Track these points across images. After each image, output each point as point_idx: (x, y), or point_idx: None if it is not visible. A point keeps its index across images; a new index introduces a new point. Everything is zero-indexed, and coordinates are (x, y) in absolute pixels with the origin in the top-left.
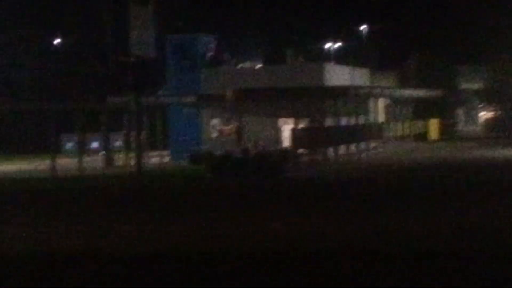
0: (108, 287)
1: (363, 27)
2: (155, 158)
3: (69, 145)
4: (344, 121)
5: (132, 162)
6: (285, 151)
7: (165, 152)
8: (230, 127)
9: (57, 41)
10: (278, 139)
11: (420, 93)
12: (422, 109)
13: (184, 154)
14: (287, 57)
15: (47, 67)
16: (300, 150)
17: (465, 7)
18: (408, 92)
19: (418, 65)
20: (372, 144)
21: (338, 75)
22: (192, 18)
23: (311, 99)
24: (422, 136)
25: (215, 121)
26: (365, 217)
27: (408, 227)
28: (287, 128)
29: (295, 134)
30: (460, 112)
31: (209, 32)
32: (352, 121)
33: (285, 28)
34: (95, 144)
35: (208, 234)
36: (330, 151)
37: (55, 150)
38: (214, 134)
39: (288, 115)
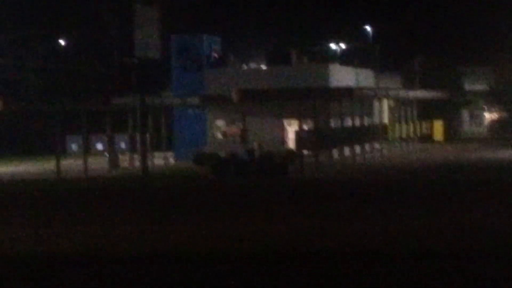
0: (112, 287)
1: (368, 28)
2: (160, 159)
3: (74, 147)
4: (348, 122)
5: (137, 163)
6: (290, 152)
7: (169, 153)
8: (234, 128)
9: (61, 42)
10: (282, 140)
11: (425, 94)
12: (427, 111)
13: (188, 155)
14: (292, 58)
15: (51, 68)
16: (305, 152)
17: (470, 9)
18: (413, 93)
19: (423, 66)
20: (377, 146)
21: (343, 76)
22: (197, 19)
23: (315, 100)
24: (427, 137)
25: (219, 122)
26: (368, 218)
27: (410, 228)
28: (291, 129)
29: (300, 135)
30: (465, 113)
31: (213, 33)
32: (357, 122)
33: (290, 29)
34: (100, 146)
35: (212, 235)
36: (335, 152)
37: (60, 151)
38: (219, 135)
39: (292, 116)
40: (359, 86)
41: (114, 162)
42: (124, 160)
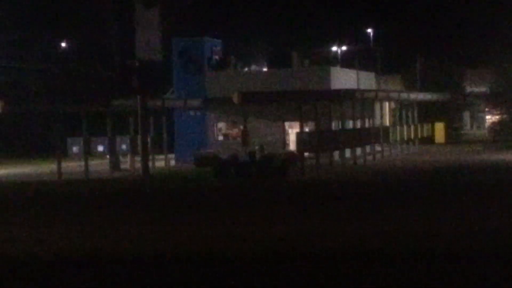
0: None
1: (369, 31)
2: (161, 161)
3: (75, 148)
4: (349, 124)
5: (138, 165)
6: (291, 154)
7: (170, 155)
8: (235, 130)
9: (62, 43)
10: (283, 143)
11: (426, 96)
12: (428, 113)
13: (189, 157)
14: (293, 61)
15: (52, 70)
16: (306, 153)
17: (471, 11)
18: (414, 96)
19: (424, 68)
20: (378, 148)
21: (344, 79)
22: (198, 22)
23: (316, 102)
24: (428, 140)
25: (220, 124)
26: (369, 219)
27: (411, 229)
28: (292, 131)
29: (301, 137)
30: (466, 115)
31: (214, 35)
32: (358, 124)
33: (291, 32)
34: (101, 148)
35: (212, 236)
36: (336, 154)
37: (61, 153)
38: (220, 137)
39: (293, 118)
40: (360, 88)
41: (115, 164)
42: (125, 162)
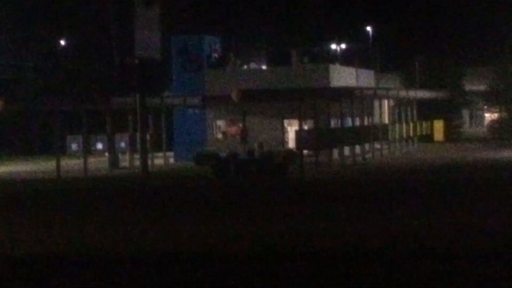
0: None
1: (368, 28)
2: (160, 159)
3: (74, 146)
4: (349, 122)
5: (137, 163)
6: (290, 152)
7: (170, 153)
8: (234, 128)
9: (62, 42)
10: (283, 140)
11: (425, 94)
12: (427, 111)
13: (189, 155)
14: (292, 58)
15: (52, 68)
16: (305, 151)
17: (470, 9)
18: (413, 93)
19: (423, 66)
20: (377, 146)
21: (344, 77)
22: (197, 19)
23: (316, 100)
24: (427, 138)
25: (220, 122)
26: (368, 218)
27: (410, 228)
28: (291, 129)
29: (300, 135)
30: (465, 113)
31: (213, 33)
32: (357, 122)
33: (290, 29)
34: (100, 145)
35: (211, 235)
36: (335, 152)
37: (60, 151)
38: (219, 135)
39: (292, 116)
40: (359, 86)
41: (114, 162)
42: (124, 160)
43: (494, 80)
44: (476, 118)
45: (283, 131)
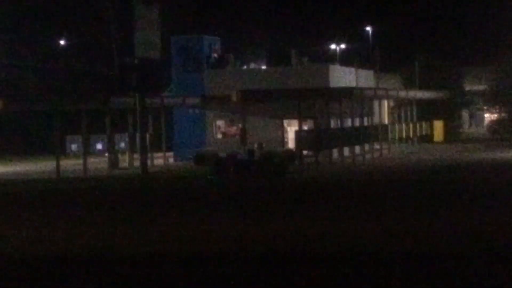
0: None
1: (367, 29)
2: (160, 159)
3: (74, 147)
4: (348, 122)
5: (137, 163)
6: (289, 152)
7: (169, 153)
8: (234, 128)
9: (62, 42)
10: (282, 141)
11: (425, 94)
12: (427, 111)
13: (188, 155)
14: (292, 59)
15: (51, 68)
16: (304, 152)
17: (470, 9)
18: (413, 94)
19: (423, 66)
20: (377, 146)
21: (343, 77)
22: (197, 20)
23: (315, 100)
24: (427, 138)
25: (219, 122)
26: (367, 219)
27: (410, 229)
28: (291, 130)
29: (300, 135)
30: (465, 114)
31: (213, 33)
32: (357, 122)
33: (290, 30)
34: (99, 146)
35: (211, 235)
36: (334, 152)
37: (60, 151)
38: (219, 135)
39: (292, 117)
40: (359, 87)
41: (113, 162)
42: (124, 160)
43: (494, 81)
44: (476, 119)
45: (283, 131)
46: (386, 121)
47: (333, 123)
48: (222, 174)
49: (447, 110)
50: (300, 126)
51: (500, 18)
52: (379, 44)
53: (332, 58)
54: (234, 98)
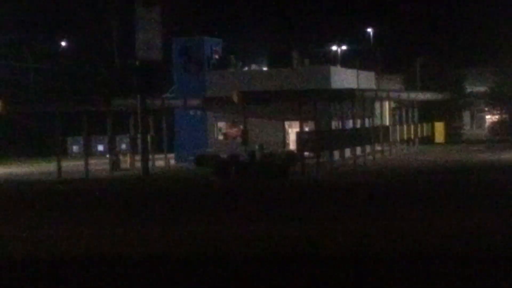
0: None
1: (369, 30)
2: (161, 161)
3: (75, 148)
4: (349, 124)
5: (138, 164)
6: (291, 153)
7: (170, 155)
8: (235, 130)
9: (63, 43)
10: (283, 142)
11: (426, 96)
12: (428, 112)
13: (189, 156)
14: (293, 60)
15: (53, 70)
16: (306, 153)
17: (471, 10)
18: (414, 95)
19: (424, 68)
20: (378, 147)
21: (344, 78)
22: (198, 21)
23: (316, 102)
24: (428, 139)
25: (220, 124)
26: (369, 220)
27: (411, 230)
28: (292, 131)
29: (301, 137)
30: (466, 115)
31: (214, 35)
32: (358, 124)
33: (291, 31)
34: (101, 147)
35: (213, 236)
36: (336, 154)
37: (61, 153)
38: (220, 137)
39: (293, 118)
40: (360, 88)
41: (115, 164)
42: (125, 162)
43: (495, 82)
44: (477, 120)
45: (284, 132)
46: (387, 122)
47: (334, 125)
48: (223, 175)
49: (448, 111)
50: (301, 127)
51: (501, 19)
52: (380, 45)
53: (333, 59)
54: (235, 100)
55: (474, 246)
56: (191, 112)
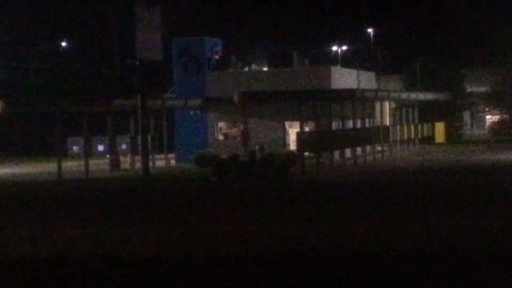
0: None
1: (369, 30)
2: (161, 161)
3: (75, 148)
4: (350, 124)
5: (138, 165)
6: (291, 154)
7: (171, 155)
8: (235, 130)
9: (63, 43)
10: (284, 142)
11: (426, 96)
12: (428, 112)
13: (190, 157)
14: (293, 60)
15: (53, 69)
16: (306, 153)
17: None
18: (414, 95)
19: (424, 68)
20: (378, 147)
21: (344, 78)
22: (198, 21)
23: (317, 102)
24: (428, 139)
25: (221, 124)
26: (370, 220)
27: (411, 230)
28: (293, 131)
29: (301, 137)
30: (467, 115)
31: (215, 35)
32: (358, 124)
33: (291, 31)
34: (101, 147)
35: (213, 237)
36: (336, 154)
37: (61, 153)
38: (220, 137)
39: (294, 118)
40: (360, 88)
41: (115, 164)
42: (125, 162)
43: (496, 82)
44: (478, 120)
45: (284, 133)
46: (387, 122)
47: (334, 125)
48: (223, 175)
49: (448, 111)
50: (301, 127)
51: (502, 19)
52: (381, 45)
53: (333, 59)
54: (235, 100)
55: (474, 246)
56: (191, 112)
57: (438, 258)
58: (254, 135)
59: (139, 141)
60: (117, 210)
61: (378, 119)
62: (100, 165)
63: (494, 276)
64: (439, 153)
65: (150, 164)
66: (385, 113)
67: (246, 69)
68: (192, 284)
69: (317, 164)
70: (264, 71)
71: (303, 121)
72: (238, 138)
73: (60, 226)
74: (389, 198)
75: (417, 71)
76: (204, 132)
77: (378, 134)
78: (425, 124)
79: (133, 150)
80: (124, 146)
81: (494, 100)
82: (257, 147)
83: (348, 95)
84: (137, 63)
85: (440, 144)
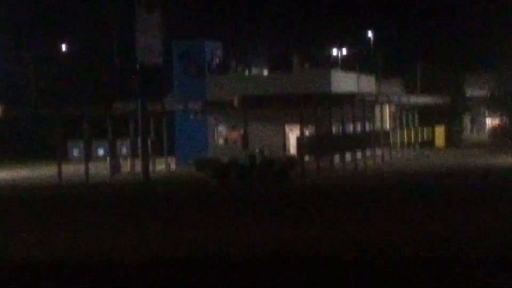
0: None
1: (369, 34)
2: (161, 165)
3: (75, 152)
4: (350, 128)
5: (138, 168)
6: (291, 158)
7: (171, 159)
8: (235, 134)
9: (63, 47)
10: (284, 146)
11: (426, 100)
12: (428, 116)
13: (190, 160)
14: (293, 64)
15: (53, 74)
16: (306, 157)
17: (472, 15)
18: (414, 99)
19: (424, 72)
20: (378, 151)
21: (345, 82)
22: (198, 25)
23: (317, 106)
24: (428, 143)
25: (221, 128)
26: (369, 224)
27: (410, 234)
28: (293, 135)
29: (301, 141)
30: (467, 119)
31: (215, 38)
32: (358, 128)
33: (292, 35)
34: (101, 151)
35: (213, 240)
36: (336, 158)
37: (61, 156)
38: (220, 141)
39: (294, 122)
40: (360, 92)
41: (115, 168)
42: (126, 166)
43: (495, 86)
44: (478, 124)
45: (284, 137)
46: (387, 126)
47: (334, 129)
48: (223, 179)
49: (448, 115)
50: (301, 131)
51: (501, 23)
52: (381, 49)
53: (333, 63)
54: (235, 104)
55: (474, 248)
56: (191, 116)
57: (437, 260)
58: (254, 139)
59: (139, 144)
60: (117, 213)
61: (378, 123)
62: (100, 168)
63: (494, 277)
64: (438, 157)
65: (150, 168)
66: (385, 117)
67: (246, 73)
68: (192, 286)
69: (317, 168)
70: (264, 75)
71: (303, 125)
72: (238, 142)
73: (60, 230)
74: (388, 201)
75: (417, 75)
76: (204, 136)
77: (378, 138)
78: (425, 128)
79: (133, 154)
80: (124, 150)
81: (494, 104)
82: (257, 151)
83: (348, 99)
84: (137, 66)
85: (440, 148)
